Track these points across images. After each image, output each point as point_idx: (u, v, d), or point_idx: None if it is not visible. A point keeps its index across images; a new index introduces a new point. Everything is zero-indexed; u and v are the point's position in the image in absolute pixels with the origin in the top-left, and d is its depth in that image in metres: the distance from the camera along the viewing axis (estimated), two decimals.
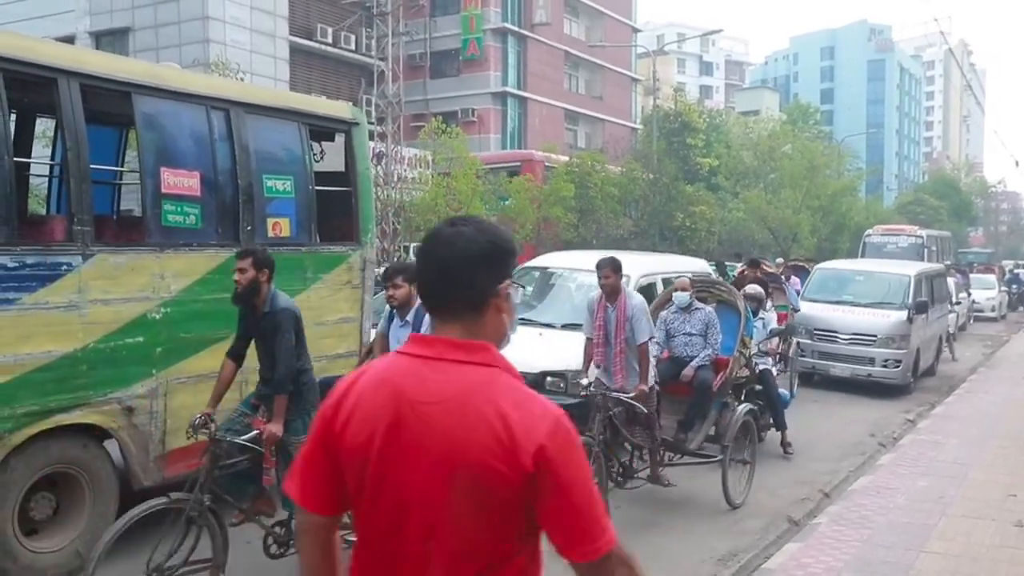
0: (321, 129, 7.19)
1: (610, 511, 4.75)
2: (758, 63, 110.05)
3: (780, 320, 11.29)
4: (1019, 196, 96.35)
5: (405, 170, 28.88)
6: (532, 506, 1.68)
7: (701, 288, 8.08)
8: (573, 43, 45.82)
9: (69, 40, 28.93)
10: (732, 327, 7.71)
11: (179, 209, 5.87)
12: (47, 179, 7.73)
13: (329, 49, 33.83)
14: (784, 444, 9.14)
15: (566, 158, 32.31)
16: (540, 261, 11.50)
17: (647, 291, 9.26)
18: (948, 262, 25.66)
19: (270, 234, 6.46)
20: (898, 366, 13.06)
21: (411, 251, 29.37)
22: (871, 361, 13.22)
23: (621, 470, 6.62)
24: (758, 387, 8.57)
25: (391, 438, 1.71)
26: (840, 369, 13.47)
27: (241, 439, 4.76)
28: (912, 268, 14.95)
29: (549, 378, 8.04)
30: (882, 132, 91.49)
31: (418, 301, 4.62)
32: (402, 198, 27.31)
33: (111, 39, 28.71)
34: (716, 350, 7.41)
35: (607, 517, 1.75)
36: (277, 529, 5.03)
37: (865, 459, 8.77)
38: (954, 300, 18.48)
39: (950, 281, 19.51)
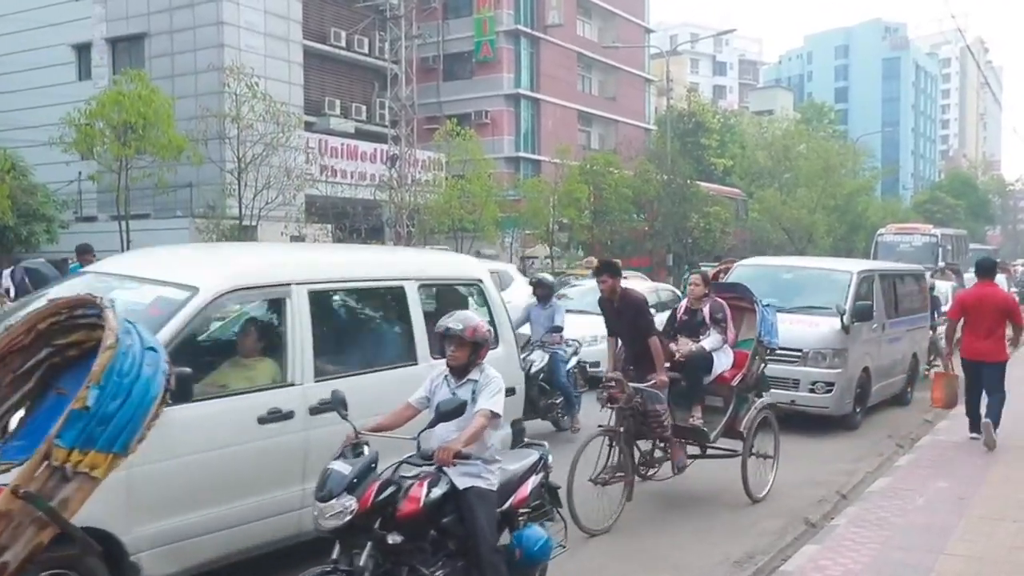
0: None
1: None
2: (772, 62, 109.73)
3: (740, 362, 7.27)
4: None
5: (419, 173, 28.97)
6: (1008, 313, 9.20)
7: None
8: (586, 44, 45.81)
9: (86, 46, 29.25)
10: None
11: None
12: None
13: (343, 53, 33.96)
14: None
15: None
16: (98, 266, 6.41)
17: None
18: (942, 264, 24.43)
19: None
20: (830, 390, 10.02)
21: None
22: (795, 384, 10.01)
23: None
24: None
25: (977, 302, 9.29)
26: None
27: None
28: (857, 265, 12.10)
29: None
30: (898, 131, 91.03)
31: None
32: (416, 201, 27.38)
33: (127, 45, 28.91)
34: None
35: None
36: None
37: (883, 460, 8.71)
38: (942, 309, 14.72)
39: (945, 284, 17.40)
